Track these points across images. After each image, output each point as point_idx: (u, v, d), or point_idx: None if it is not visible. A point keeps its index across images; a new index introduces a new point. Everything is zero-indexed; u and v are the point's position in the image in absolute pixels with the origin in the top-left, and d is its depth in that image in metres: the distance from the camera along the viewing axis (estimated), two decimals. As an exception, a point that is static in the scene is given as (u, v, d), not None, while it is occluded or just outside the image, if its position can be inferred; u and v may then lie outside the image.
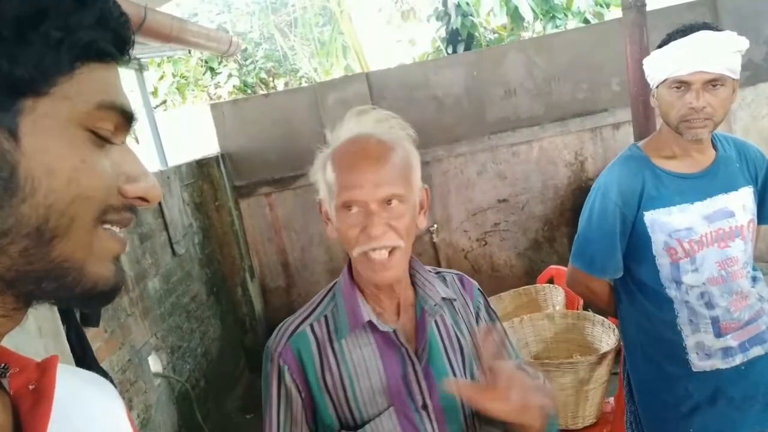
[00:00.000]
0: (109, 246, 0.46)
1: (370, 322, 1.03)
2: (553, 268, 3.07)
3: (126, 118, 0.47)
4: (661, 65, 1.47)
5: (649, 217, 1.53)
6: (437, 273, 1.16)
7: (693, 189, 1.53)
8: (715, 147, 1.58)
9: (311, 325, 1.07)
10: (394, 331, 1.03)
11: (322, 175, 1.03)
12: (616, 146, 4.42)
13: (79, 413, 0.53)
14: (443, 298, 1.09)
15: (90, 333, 2.27)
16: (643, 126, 1.99)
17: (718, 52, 1.40)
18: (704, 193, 1.52)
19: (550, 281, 2.99)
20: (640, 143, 1.64)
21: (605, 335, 2.25)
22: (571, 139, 4.43)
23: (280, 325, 1.09)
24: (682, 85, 1.44)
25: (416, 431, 1.03)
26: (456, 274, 1.19)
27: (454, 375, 1.06)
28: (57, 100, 0.42)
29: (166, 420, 2.94)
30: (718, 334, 1.53)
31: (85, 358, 2.13)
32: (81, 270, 0.44)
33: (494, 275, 4.57)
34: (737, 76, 1.45)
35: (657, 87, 1.52)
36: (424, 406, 1.03)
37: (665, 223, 1.52)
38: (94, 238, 0.45)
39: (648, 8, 1.87)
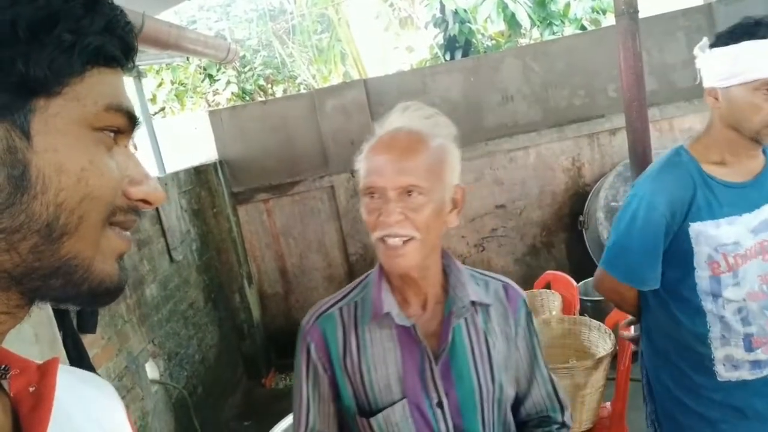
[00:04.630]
0: (115, 244, 0.47)
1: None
2: (550, 274, 3.08)
3: (131, 122, 0.48)
4: (749, 63, 1.32)
5: (696, 228, 1.42)
6: (483, 276, 1.17)
7: (742, 199, 1.42)
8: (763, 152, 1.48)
9: (340, 309, 1.11)
10: (413, 327, 1.05)
11: (362, 163, 1.07)
12: (613, 152, 4.43)
13: (79, 414, 0.53)
14: (473, 302, 1.08)
15: (87, 339, 2.27)
16: (638, 131, 2.00)
17: None
18: (753, 203, 1.42)
19: (547, 286, 2.99)
20: (688, 144, 1.50)
21: (602, 340, 2.26)
22: (569, 144, 4.44)
23: (314, 305, 1.15)
24: None
25: (429, 427, 1.05)
26: (503, 282, 1.17)
27: (477, 378, 1.07)
28: (67, 101, 0.43)
29: (163, 427, 2.94)
30: (749, 349, 1.45)
31: (81, 365, 2.13)
32: (89, 267, 0.45)
33: (492, 281, 4.56)
34: None
35: (729, 87, 1.36)
36: (440, 404, 1.05)
37: (713, 236, 1.41)
38: (102, 237, 0.46)
39: (642, 15, 1.88)
